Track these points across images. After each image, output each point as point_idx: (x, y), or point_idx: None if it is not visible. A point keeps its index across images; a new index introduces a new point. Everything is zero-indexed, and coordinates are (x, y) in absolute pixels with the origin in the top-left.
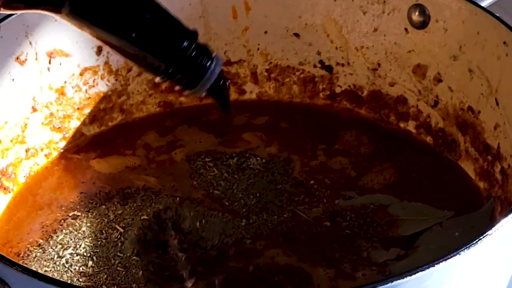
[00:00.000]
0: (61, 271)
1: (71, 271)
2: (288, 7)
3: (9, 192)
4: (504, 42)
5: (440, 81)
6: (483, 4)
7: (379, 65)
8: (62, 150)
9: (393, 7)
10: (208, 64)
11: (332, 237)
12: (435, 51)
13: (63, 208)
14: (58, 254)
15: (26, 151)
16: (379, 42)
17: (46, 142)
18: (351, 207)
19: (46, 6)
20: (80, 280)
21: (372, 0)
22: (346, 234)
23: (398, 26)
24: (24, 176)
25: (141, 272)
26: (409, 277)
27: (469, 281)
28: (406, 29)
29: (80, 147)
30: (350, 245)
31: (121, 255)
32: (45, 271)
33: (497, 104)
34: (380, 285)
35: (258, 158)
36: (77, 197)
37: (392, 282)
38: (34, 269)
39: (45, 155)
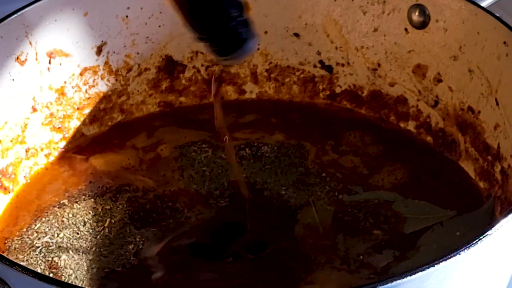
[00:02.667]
0: (35, 264)
1: (44, 262)
2: (288, 7)
3: (9, 192)
4: (504, 42)
5: (440, 81)
6: (483, 4)
7: (379, 65)
8: (62, 150)
9: (393, 7)
10: (247, 38)
11: (334, 233)
12: (435, 51)
13: (57, 199)
14: (33, 243)
15: (26, 151)
16: (379, 42)
17: (46, 142)
18: (356, 202)
19: None
20: (50, 274)
21: (372, 0)
22: (350, 230)
23: (398, 26)
24: (24, 176)
25: (95, 269)
26: (409, 277)
27: (469, 281)
28: (406, 29)
29: (80, 147)
30: (351, 243)
31: (96, 248)
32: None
33: (497, 104)
34: (380, 285)
35: (270, 145)
36: (75, 191)
37: (392, 282)
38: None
39: (45, 155)
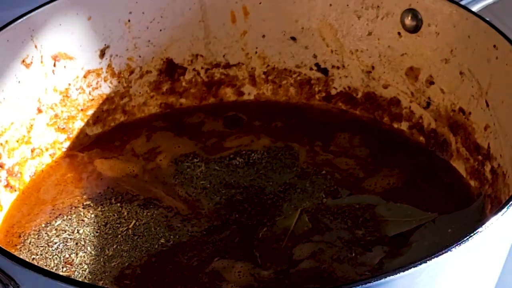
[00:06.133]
0: (49, 259)
1: (59, 257)
2: (285, 12)
3: (15, 190)
4: (494, 46)
5: (432, 83)
6: (473, 9)
7: (373, 68)
8: (66, 150)
9: (387, 11)
10: None
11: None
12: (427, 55)
13: (74, 200)
14: (50, 239)
15: (32, 151)
16: (373, 45)
17: (51, 142)
18: (339, 206)
19: None
20: (63, 269)
21: (367, 5)
22: (336, 232)
23: (392, 30)
24: (30, 176)
25: (113, 264)
26: (401, 273)
27: (460, 277)
28: (399, 33)
29: (84, 147)
30: (341, 242)
31: (117, 246)
32: (33, 258)
33: (487, 105)
34: (374, 281)
35: (259, 151)
36: (92, 194)
37: (385, 278)
38: (26, 255)
39: (50, 155)
